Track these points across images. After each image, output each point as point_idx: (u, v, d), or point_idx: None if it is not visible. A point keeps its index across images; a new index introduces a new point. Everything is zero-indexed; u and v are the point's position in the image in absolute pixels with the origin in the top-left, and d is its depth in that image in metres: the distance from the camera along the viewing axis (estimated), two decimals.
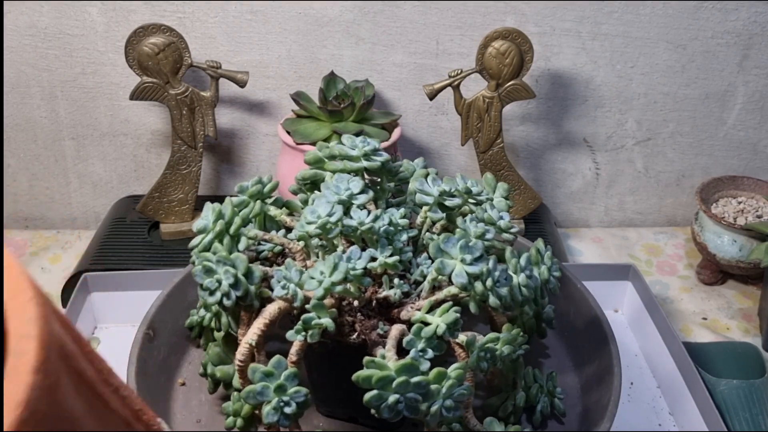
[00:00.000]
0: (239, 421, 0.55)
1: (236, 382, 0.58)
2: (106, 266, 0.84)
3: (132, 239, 0.90)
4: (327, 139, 0.85)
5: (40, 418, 0.24)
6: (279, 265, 0.59)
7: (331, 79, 0.88)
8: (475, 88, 0.87)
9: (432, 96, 0.86)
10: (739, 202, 0.93)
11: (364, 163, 0.57)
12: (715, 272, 0.92)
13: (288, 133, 0.86)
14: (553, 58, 0.93)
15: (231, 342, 0.59)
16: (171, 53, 0.82)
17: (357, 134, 0.83)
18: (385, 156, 0.58)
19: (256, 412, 0.55)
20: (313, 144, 0.84)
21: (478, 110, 0.87)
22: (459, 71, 0.85)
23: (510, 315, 0.55)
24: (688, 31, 0.92)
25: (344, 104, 0.85)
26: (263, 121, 0.96)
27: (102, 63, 0.90)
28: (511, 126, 0.97)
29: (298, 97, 0.87)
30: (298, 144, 0.84)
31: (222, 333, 0.59)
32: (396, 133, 0.87)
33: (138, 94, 0.83)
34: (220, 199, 1.01)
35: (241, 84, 0.86)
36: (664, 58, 0.94)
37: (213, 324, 0.59)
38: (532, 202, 0.93)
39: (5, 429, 0.21)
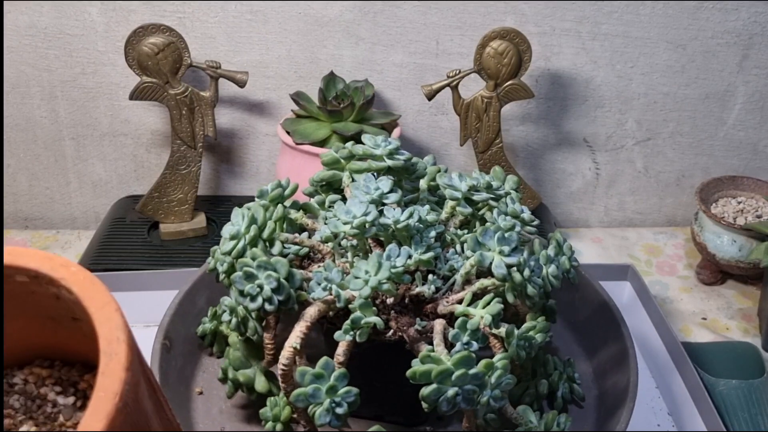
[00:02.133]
0: (279, 426, 0.55)
1: (260, 386, 0.58)
2: (106, 266, 0.84)
3: (132, 239, 0.90)
4: (326, 140, 0.85)
5: (129, 410, 0.29)
6: (304, 267, 0.59)
7: (331, 79, 0.88)
8: (475, 88, 0.87)
9: (430, 96, 0.86)
10: (739, 202, 0.92)
11: (388, 162, 0.58)
12: (715, 272, 0.92)
13: (288, 133, 0.86)
14: (553, 58, 0.93)
15: (251, 346, 0.59)
16: (171, 53, 0.82)
17: (357, 134, 0.84)
18: (407, 154, 0.59)
19: (294, 415, 0.55)
20: (313, 144, 0.84)
21: (477, 110, 0.87)
22: (457, 71, 0.85)
23: (529, 306, 0.56)
24: (688, 31, 0.92)
25: (344, 104, 0.85)
26: (263, 121, 0.96)
27: (102, 63, 0.90)
28: (511, 126, 0.97)
29: (298, 97, 0.87)
30: (297, 144, 0.84)
31: (242, 338, 0.58)
32: (395, 133, 0.87)
33: (138, 94, 0.83)
34: (220, 200, 1.01)
35: (241, 84, 0.86)
36: (664, 58, 0.94)
37: (239, 328, 0.58)
38: (531, 202, 0.93)
39: (105, 415, 0.27)
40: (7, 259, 0.34)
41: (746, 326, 0.85)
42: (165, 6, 0.88)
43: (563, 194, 1.03)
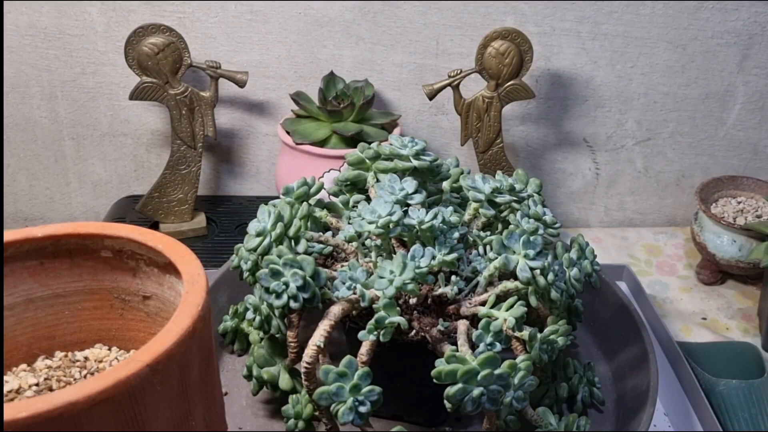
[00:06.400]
0: (300, 424, 0.56)
1: (283, 383, 0.58)
2: None
3: None
4: (326, 140, 0.85)
5: (205, 323, 0.37)
6: (327, 266, 0.59)
7: (331, 79, 0.88)
8: (475, 87, 0.87)
9: (431, 96, 0.86)
10: (739, 202, 0.92)
11: (415, 163, 0.58)
12: (715, 272, 0.92)
13: (288, 133, 0.86)
14: (553, 58, 0.93)
15: (275, 344, 0.59)
16: (170, 53, 0.82)
17: (357, 134, 0.84)
18: (433, 155, 0.59)
19: (316, 413, 0.55)
20: (313, 144, 0.84)
21: (478, 110, 0.87)
22: (458, 71, 0.85)
23: (551, 309, 0.56)
24: (688, 31, 0.92)
25: (344, 104, 0.85)
26: (263, 121, 0.96)
27: (102, 63, 0.90)
28: (511, 126, 0.97)
29: (298, 97, 0.87)
30: (297, 144, 0.84)
31: (266, 336, 0.58)
32: (395, 133, 0.87)
33: (137, 94, 0.83)
34: (220, 200, 1.01)
35: (241, 84, 0.86)
36: (664, 58, 0.94)
37: (263, 327, 0.58)
38: None
39: (190, 316, 0.35)
40: (98, 231, 0.40)
41: (746, 326, 0.85)
42: (165, 6, 0.88)
43: (563, 194, 1.03)
